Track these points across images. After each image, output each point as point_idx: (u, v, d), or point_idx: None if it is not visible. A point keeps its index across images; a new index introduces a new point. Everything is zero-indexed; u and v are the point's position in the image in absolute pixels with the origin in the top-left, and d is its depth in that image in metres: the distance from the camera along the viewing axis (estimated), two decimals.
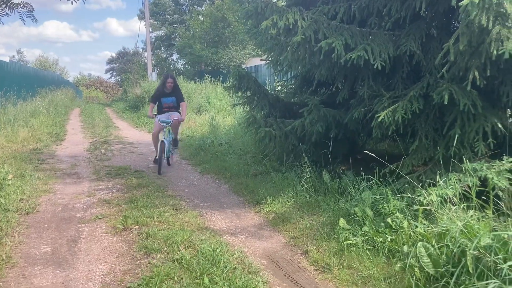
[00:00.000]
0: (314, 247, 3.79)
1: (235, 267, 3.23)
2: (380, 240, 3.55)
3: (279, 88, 8.35)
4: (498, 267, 2.44)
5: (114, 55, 55.88)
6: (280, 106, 6.84)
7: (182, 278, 2.99)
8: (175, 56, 31.08)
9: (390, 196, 3.91)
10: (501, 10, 3.54)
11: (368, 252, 3.46)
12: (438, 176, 3.74)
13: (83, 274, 3.29)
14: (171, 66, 29.95)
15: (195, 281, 2.92)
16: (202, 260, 3.26)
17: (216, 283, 2.86)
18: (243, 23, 6.40)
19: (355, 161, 5.61)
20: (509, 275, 2.32)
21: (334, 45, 4.40)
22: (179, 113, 7.55)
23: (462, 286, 2.52)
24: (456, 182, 3.63)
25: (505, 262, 2.46)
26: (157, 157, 7.28)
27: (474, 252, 2.67)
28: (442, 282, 2.70)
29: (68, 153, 9.04)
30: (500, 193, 3.44)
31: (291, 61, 5.31)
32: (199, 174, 7.14)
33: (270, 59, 6.35)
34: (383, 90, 4.89)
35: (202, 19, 25.43)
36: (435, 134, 4.56)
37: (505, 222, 3.14)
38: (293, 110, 6.66)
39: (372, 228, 3.73)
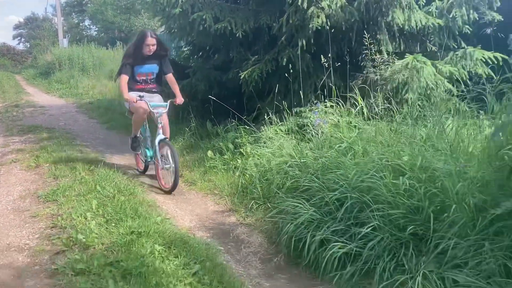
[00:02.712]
0: (187, 172, 5.10)
1: (122, 181, 4.43)
2: (233, 162, 4.93)
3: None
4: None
5: (21, 20, 52.00)
6: (178, 70, 7.91)
7: (80, 188, 4.13)
8: (87, 22, 30.44)
9: (243, 133, 5.30)
10: None
11: (223, 171, 4.82)
12: (276, 118, 5.18)
13: (3, 193, 4.30)
14: (84, 32, 29.37)
15: (89, 189, 4.08)
16: (98, 178, 4.42)
17: (105, 188, 4.05)
18: None
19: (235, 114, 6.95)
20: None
21: (204, 17, 5.60)
22: (161, 94, 5.09)
23: (265, 177, 3.95)
24: (288, 122, 5.12)
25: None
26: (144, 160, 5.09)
27: (280, 159, 4.12)
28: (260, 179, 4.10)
29: None
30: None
31: (177, 30, 6.45)
32: (105, 130, 8.13)
33: (163, 28, 7.41)
34: (249, 55, 6.21)
35: None
36: (285, 89, 5.99)
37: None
38: (189, 73, 7.83)
39: (230, 156, 5.11)
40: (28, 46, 46.46)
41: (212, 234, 3.45)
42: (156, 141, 4.64)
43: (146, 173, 5.19)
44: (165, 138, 4.67)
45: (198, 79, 6.61)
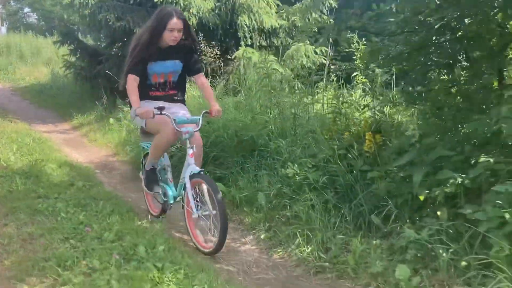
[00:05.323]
0: (93, 133, 6.82)
1: (38, 136, 6.08)
2: (128, 126, 6.67)
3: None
4: None
5: None
6: (98, 57, 9.56)
7: (6, 140, 5.75)
8: (26, 10, 30.67)
9: None
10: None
11: (116, 129, 6.55)
12: None
13: None
14: (24, 20, 29.68)
15: (12, 140, 5.70)
16: (20, 134, 6.05)
17: (24, 140, 5.70)
18: None
19: None
20: None
21: (108, 17, 7.27)
22: (184, 104, 3.58)
23: None
24: None
25: None
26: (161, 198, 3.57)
27: None
28: None
29: None
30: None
31: (91, 27, 8.07)
32: (36, 108, 9.64)
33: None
34: None
35: None
36: None
37: None
38: (102, 59, 9.44)
39: (128, 122, 6.85)
40: None
41: (95, 165, 5.23)
42: (186, 175, 3.14)
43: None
44: (200, 171, 3.13)
45: (109, 65, 8.26)
